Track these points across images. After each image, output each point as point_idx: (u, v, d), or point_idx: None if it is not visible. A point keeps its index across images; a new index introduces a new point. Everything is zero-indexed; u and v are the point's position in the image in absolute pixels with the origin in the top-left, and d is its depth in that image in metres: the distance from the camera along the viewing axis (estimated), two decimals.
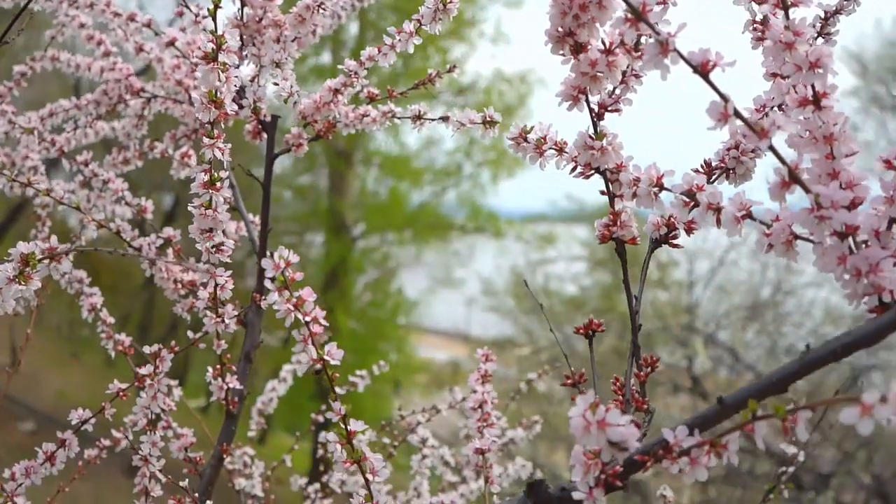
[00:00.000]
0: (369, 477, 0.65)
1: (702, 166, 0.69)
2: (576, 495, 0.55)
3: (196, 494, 0.94)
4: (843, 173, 0.54)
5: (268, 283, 0.61)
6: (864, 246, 0.53)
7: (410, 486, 1.26)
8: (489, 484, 0.92)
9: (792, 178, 0.52)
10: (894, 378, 6.97)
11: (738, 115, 0.51)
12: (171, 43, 1.03)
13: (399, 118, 0.97)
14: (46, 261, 0.68)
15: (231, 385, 0.97)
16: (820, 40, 0.72)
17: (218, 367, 0.96)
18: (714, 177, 0.69)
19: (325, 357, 0.63)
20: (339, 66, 0.93)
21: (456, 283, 12.07)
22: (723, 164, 0.69)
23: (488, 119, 0.84)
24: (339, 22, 1.17)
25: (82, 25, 1.20)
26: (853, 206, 0.54)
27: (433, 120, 0.95)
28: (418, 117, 0.96)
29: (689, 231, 0.68)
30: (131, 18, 1.09)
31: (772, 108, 0.65)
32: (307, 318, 0.62)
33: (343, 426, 0.65)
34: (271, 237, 1.05)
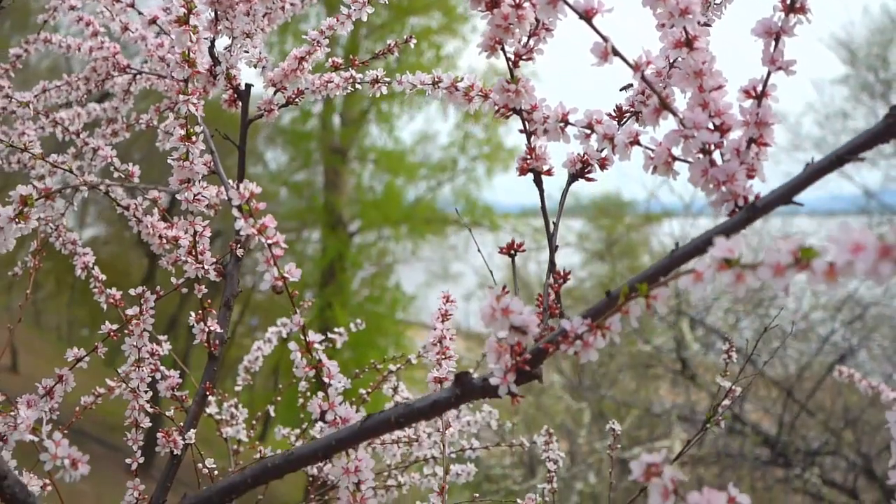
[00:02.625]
0: (326, 380, 0.75)
1: (614, 110, 0.79)
2: (492, 380, 0.65)
3: (181, 425, 1.04)
4: (711, 104, 0.64)
5: (234, 212, 0.71)
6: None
7: None
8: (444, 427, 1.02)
9: (662, 105, 0.62)
10: (878, 358, 7.08)
11: (615, 52, 0.61)
12: (153, 21, 1.13)
13: (359, 83, 1.07)
14: (42, 200, 0.78)
15: (212, 328, 1.07)
16: None
17: (200, 311, 1.06)
18: (625, 119, 0.79)
19: (286, 275, 0.73)
20: (303, 36, 1.03)
21: (453, 278, 12.17)
22: (632, 108, 0.78)
23: (436, 80, 0.94)
24: (308, 4, 1.26)
25: (72, 8, 1.29)
26: (722, 130, 0.64)
27: (388, 82, 1.05)
28: (376, 81, 1.06)
29: (602, 166, 0.78)
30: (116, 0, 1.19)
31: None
32: (270, 242, 0.72)
33: (303, 336, 0.75)
34: None
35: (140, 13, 1.18)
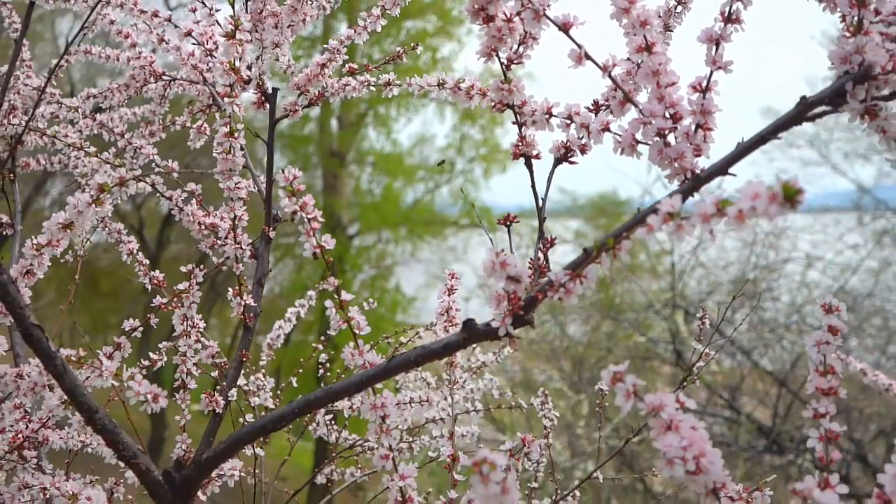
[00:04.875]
0: (356, 331, 0.90)
1: (592, 104, 0.94)
2: (494, 323, 0.80)
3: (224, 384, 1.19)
4: (666, 97, 0.79)
5: (280, 192, 0.86)
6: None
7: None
8: (453, 370, 1.18)
9: (626, 98, 0.77)
10: (870, 348, 7.24)
11: (588, 56, 0.76)
12: (188, 33, 1.28)
13: (373, 86, 1.23)
14: (118, 187, 0.93)
15: (247, 302, 1.22)
16: (679, 8, 0.97)
17: (237, 288, 1.22)
18: (601, 111, 0.94)
19: (322, 244, 0.88)
20: (324, 45, 1.18)
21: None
22: (606, 102, 0.94)
23: (440, 81, 1.09)
24: (323, 13, 1.42)
25: (112, 22, 1.45)
26: (675, 118, 0.79)
27: (400, 85, 1.20)
28: (388, 84, 1.21)
29: (582, 151, 0.93)
30: (155, 15, 1.34)
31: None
32: (309, 216, 0.88)
33: (337, 296, 0.90)
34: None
35: (177, 27, 1.33)
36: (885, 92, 0.70)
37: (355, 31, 1.18)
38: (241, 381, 1.54)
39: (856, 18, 0.69)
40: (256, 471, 1.50)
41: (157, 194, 1.27)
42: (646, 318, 7.06)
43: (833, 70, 0.70)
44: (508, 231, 0.92)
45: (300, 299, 1.74)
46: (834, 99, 0.69)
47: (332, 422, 1.64)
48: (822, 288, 8.22)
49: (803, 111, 0.70)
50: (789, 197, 0.53)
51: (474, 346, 1.71)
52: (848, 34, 0.70)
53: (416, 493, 0.89)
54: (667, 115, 0.78)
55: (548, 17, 0.76)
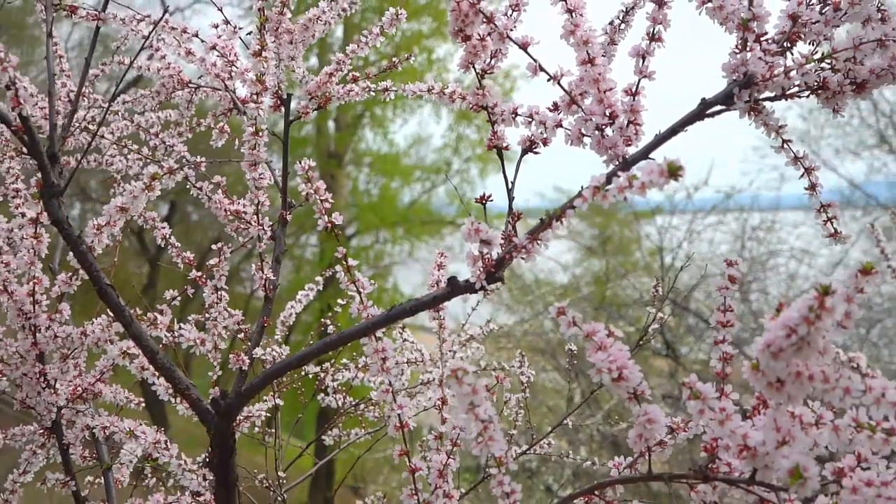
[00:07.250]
0: (361, 290, 1.12)
1: (552, 104, 1.16)
2: (471, 279, 1.02)
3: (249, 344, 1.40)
4: (605, 99, 1.01)
5: (298, 178, 1.08)
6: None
7: None
8: (442, 335, 1.39)
9: (571, 101, 0.99)
10: (854, 336, 7.47)
11: (541, 68, 0.98)
12: (213, 47, 1.50)
13: (374, 91, 1.44)
14: (167, 175, 1.14)
15: (268, 276, 1.43)
16: (622, 25, 1.19)
17: (258, 263, 1.43)
18: (558, 111, 1.15)
19: (332, 220, 1.10)
20: (331, 57, 1.40)
21: None
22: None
23: (430, 87, 1.31)
24: (329, 28, 1.63)
25: (145, 38, 1.66)
26: (612, 116, 1.01)
27: (395, 90, 1.42)
28: (387, 90, 1.43)
29: (544, 144, 1.14)
30: (184, 31, 1.56)
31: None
32: (321, 198, 1.09)
33: (345, 262, 1.12)
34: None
35: (203, 41, 1.55)
36: (767, 95, 0.92)
37: (358, 46, 1.40)
38: (258, 351, 1.75)
39: (741, 38, 0.91)
40: (272, 430, 1.71)
41: (189, 185, 1.48)
42: (637, 310, 7.28)
43: (725, 78, 0.92)
44: (484, 208, 1.14)
45: (309, 283, 1.96)
46: (725, 100, 0.91)
47: (339, 389, 1.85)
48: (810, 280, 8.46)
49: (703, 109, 0.92)
50: (672, 172, 0.75)
51: (464, 322, 1.93)
52: (736, 50, 0.92)
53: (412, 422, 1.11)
54: (606, 113, 1.00)
55: (510, 38, 0.98)
